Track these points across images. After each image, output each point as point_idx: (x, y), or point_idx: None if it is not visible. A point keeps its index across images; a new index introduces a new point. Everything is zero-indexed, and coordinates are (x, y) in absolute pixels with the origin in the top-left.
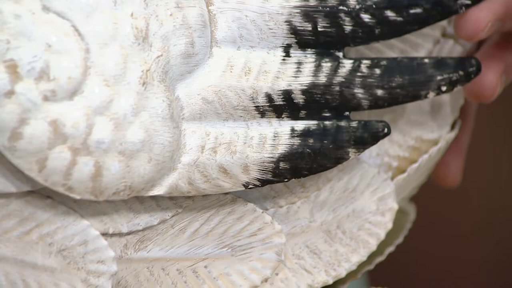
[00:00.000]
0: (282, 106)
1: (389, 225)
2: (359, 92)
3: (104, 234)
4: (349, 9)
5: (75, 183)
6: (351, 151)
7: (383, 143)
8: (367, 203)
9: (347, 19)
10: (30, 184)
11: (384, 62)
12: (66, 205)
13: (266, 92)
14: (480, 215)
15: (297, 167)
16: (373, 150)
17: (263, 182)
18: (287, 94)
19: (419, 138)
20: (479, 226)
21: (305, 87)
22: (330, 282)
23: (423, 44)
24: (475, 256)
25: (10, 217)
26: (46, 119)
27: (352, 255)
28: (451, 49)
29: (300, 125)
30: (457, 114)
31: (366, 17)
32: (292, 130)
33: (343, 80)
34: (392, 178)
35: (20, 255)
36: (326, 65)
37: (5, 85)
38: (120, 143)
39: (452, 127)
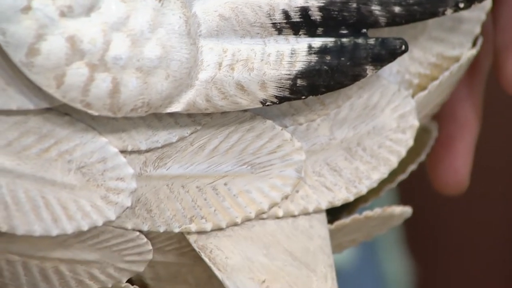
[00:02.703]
0: (299, 23)
1: (410, 142)
2: (376, 9)
3: (123, 152)
4: None
5: (93, 99)
6: (369, 68)
7: (403, 60)
8: (387, 120)
9: None
10: (48, 101)
11: None
12: (84, 122)
13: (283, 9)
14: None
15: (314, 84)
16: (393, 67)
17: (281, 99)
18: (304, 11)
19: (440, 55)
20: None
21: (322, 4)
22: (351, 199)
23: None
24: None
25: (29, 134)
26: (63, 35)
27: (372, 173)
28: None
29: (317, 42)
30: (479, 30)
31: None
32: (309, 47)
33: None
34: (413, 96)
35: (39, 172)
36: None
37: (22, 0)
38: (137, 59)
39: (474, 43)
